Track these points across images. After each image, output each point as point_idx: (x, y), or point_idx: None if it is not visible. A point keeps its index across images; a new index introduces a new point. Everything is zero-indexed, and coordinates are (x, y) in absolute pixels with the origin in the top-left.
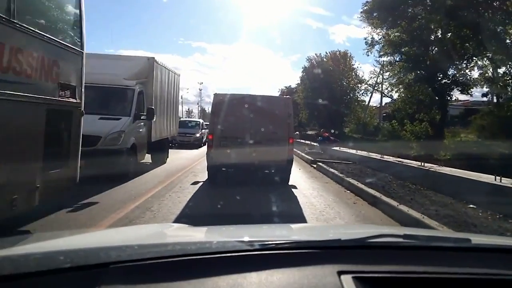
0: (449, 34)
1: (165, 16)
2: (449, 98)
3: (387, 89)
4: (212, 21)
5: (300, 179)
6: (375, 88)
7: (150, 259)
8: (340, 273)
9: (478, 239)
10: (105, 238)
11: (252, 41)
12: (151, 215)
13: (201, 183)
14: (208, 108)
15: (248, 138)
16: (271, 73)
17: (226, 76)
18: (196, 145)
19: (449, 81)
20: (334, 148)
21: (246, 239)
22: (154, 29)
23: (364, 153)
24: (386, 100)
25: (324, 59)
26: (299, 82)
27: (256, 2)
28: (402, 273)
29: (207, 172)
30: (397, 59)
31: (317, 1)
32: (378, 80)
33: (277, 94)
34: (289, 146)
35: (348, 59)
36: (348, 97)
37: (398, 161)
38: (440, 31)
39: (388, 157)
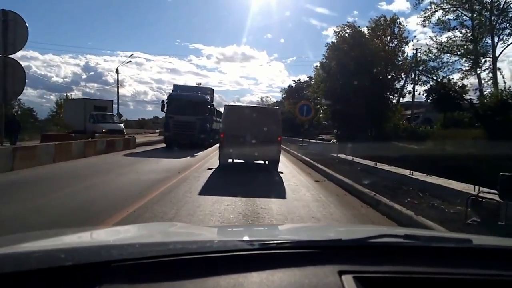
0: None
1: (162, 18)
2: None
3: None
4: (208, 24)
5: None
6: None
7: (151, 258)
8: (341, 273)
9: (479, 239)
10: (107, 236)
11: (247, 44)
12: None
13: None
14: None
15: (249, 137)
16: (265, 75)
17: (222, 78)
18: None
19: None
20: None
21: (247, 238)
22: (150, 31)
23: None
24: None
25: (365, 30)
26: (313, 73)
27: (251, 5)
28: (403, 273)
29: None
30: None
31: (312, 2)
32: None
33: (278, 93)
34: (277, 142)
35: (400, 28)
36: (397, 86)
37: None
38: None
39: None
